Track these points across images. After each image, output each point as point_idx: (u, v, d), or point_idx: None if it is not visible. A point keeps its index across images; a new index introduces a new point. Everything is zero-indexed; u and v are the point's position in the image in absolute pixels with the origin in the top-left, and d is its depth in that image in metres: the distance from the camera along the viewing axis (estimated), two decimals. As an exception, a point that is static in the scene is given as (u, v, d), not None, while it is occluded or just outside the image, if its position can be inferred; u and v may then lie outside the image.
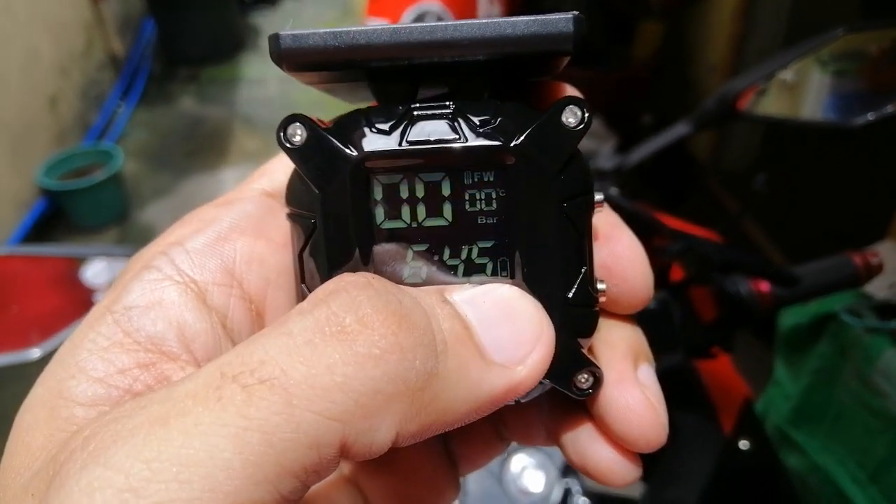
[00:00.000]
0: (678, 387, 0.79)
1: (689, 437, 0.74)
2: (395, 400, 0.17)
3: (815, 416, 1.08)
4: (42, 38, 2.85)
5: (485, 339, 0.20)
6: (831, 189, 1.82)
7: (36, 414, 0.19)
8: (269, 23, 4.65)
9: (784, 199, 1.81)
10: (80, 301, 0.78)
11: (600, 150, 1.94)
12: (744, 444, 0.77)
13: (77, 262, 0.79)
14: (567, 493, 0.70)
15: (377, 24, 2.09)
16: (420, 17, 2.06)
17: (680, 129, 0.82)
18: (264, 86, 3.86)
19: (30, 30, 2.77)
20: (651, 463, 0.76)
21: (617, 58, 2.63)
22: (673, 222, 0.84)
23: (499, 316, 0.20)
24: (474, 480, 0.68)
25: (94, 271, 0.77)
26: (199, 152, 3.25)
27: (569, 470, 0.73)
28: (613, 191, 0.88)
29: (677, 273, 0.79)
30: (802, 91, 0.82)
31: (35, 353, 0.67)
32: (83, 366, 0.20)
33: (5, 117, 2.52)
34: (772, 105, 0.82)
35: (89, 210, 2.68)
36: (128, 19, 3.85)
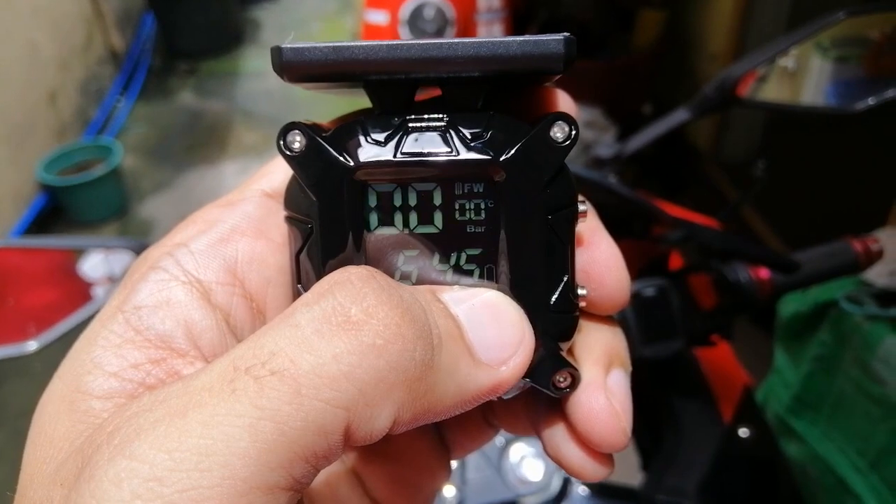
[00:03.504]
0: (677, 374, 0.78)
1: (689, 424, 0.74)
2: (395, 388, 0.18)
3: (815, 404, 1.08)
4: (41, 33, 2.85)
5: (474, 338, 0.21)
6: (832, 176, 1.81)
7: (56, 407, 0.20)
8: (268, 16, 4.63)
9: (785, 187, 1.80)
10: (77, 293, 0.78)
11: (600, 139, 1.94)
12: (743, 432, 0.77)
13: (74, 254, 0.79)
14: (566, 482, 0.70)
15: (376, 20, 2.07)
16: (419, 8, 2.05)
17: (679, 116, 0.81)
18: (263, 79, 3.85)
19: (29, 24, 2.76)
20: (651, 451, 0.75)
21: (617, 46, 2.61)
22: (672, 210, 0.83)
23: (486, 318, 0.22)
24: (474, 470, 0.68)
25: (92, 264, 0.77)
26: (198, 146, 3.25)
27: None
28: (612, 179, 0.87)
29: (676, 260, 0.78)
30: (803, 77, 0.81)
31: (32, 345, 0.67)
32: (98, 361, 0.21)
33: (5, 112, 2.52)
34: (772, 91, 0.82)
35: (89, 205, 2.68)
36: (127, 14, 3.84)
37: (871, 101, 0.74)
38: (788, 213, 1.99)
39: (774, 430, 1.06)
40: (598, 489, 0.70)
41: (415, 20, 2.05)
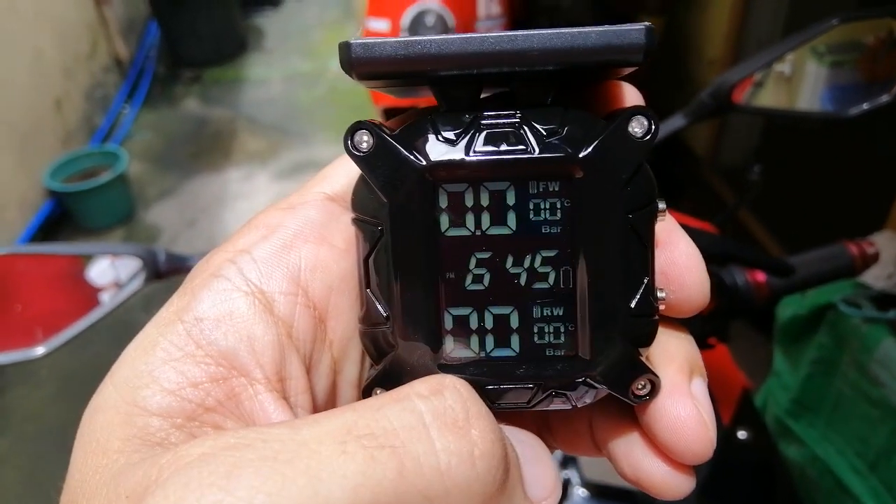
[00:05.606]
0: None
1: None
2: (473, 499, 0.19)
3: (814, 406, 1.08)
4: (47, 41, 2.87)
5: (526, 473, 0.22)
6: (830, 180, 1.81)
7: (111, 417, 0.20)
8: (271, 24, 4.66)
9: (782, 191, 1.80)
10: (84, 299, 0.78)
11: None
12: (742, 435, 0.77)
13: (82, 260, 0.79)
14: (566, 484, 0.70)
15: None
16: (420, 16, 2.06)
17: (675, 122, 0.82)
18: (267, 86, 3.87)
19: (35, 32, 2.79)
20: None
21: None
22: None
23: (531, 456, 0.22)
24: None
25: (99, 270, 0.77)
26: (203, 153, 3.27)
27: (568, 461, 0.73)
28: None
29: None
30: (799, 83, 0.81)
31: (39, 350, 0.67)
32: (156, 375, 0.20)
33: (11, 119, 2.54)
34: (768, 97, 0.82)
35: (96, 211, 2.70)
36: (132, 22, 3.87)
37: (865, 106, 0.75)
38: (786, 217, 1.99)
39: (773, 433, 1.06)
40: (597, 490, 0.70)
41: (415, 27, 2.06)
